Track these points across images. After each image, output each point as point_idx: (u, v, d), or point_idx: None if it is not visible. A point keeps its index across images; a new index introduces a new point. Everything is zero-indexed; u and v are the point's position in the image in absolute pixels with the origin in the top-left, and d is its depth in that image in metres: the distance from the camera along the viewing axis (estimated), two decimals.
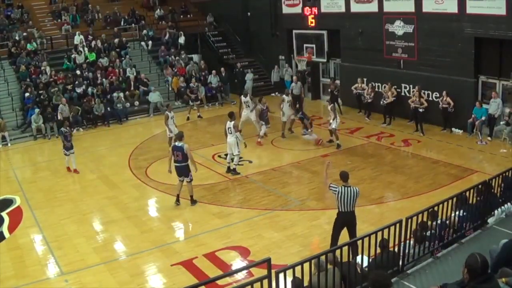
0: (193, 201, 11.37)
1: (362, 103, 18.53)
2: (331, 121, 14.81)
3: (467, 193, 7.38)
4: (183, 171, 11.08)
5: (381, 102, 17.21)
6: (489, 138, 14.71)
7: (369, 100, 17.97)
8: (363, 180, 12.12)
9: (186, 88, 21.80)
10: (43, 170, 14.60)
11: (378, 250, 6.31)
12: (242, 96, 16.77)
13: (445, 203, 6.89)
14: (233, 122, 13.09)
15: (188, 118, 19.36)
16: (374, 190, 11.44)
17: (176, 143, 11.11)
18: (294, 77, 19.60)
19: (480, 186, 7.49)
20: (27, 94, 19.00)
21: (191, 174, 11.18)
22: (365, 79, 18.58)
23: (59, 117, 18.01)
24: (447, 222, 7.09)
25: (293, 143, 15.76)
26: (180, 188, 11.30)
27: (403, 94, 17.31)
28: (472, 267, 4.24)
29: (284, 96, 16.51)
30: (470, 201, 7.46)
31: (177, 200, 11.32)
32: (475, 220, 7.37)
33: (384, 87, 17.48)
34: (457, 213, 7.25)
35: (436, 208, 6.92)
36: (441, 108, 15.65)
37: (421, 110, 15.86)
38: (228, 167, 13.36)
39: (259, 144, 15.58)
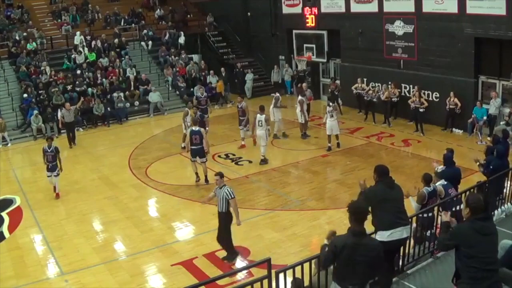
0: (207, 181, 12.41)
1: (362, 103, 18.49)
2: (332, 121, 14.44)
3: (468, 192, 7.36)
4: (200, 153, 12.35)
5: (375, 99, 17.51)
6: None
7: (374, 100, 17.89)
8: None
9: (185, 88, 21.87)
10: (43, 170, 14.42)
11: None
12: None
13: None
14: (264, 115, 13.82)
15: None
16: None
17: (194, 128, 12.34)
18: (304, 84, 17.83)
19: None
20: (25, 95, 18.99)
21: (206, 156, 12.54)
22: (365, 79, 18.58)
23: (60, 120, 17.34)
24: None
25: (293, 143, 15.76)
26: (195, 166, 12.55)
27: (403, 94, 17.31)
28: (476, 205, 4.53)
29: (300, 97, 16.08)
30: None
31: (198, 177, 12.55)
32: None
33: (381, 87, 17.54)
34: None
35: (436, 208, 6.93)
36: (448, 109, 15.62)
37: (421, 110, 15.87)
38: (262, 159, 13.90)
39: (242, 147, 15.45)
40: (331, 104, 14.64)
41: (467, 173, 12.02)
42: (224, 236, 8.73)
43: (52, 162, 12.16)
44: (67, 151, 16.27)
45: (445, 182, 7.60)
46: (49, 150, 12.18)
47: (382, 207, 5.59)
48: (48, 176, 12.35)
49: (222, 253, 9.06)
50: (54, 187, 12.39)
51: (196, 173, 12.61)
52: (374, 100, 17.67)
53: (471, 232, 4.46)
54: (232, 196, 8.50)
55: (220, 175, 8.70)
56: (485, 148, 9.75)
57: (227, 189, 8.52)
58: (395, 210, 5.63)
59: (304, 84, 17.62)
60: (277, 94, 16.66)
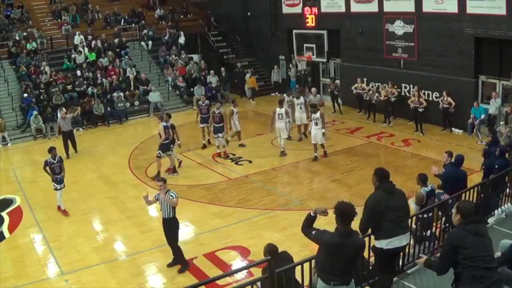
0: (175, 170, 13.34)
1: (363, 103, 18.47)
2: (316, 129, 13.60)
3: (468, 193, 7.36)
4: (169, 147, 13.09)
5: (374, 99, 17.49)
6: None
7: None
8: (363, 180, 12.11)
9: (185, 88, 21.88)
10: (43, 170, 14.54)
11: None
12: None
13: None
14: (283, 108, 14.29)
15: (204, 146, 15.62)
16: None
17: (168, 124, 12.94)
18: (314, 89, 17.48)
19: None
20: (25, 95, 18.99)
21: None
22: (365, 79, 18.58)
23: (57, 129, 17.03)
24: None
25: (293, 143, 15.73)
26: (172, 160, 13.29)
27: (403, 94, 17.31)
28: (467, 211, 4.60)
29: (294, 99, 15.71)
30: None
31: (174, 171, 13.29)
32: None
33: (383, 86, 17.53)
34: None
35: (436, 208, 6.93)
36: (441, 108, 15.64)
37: (420, 110, 15.86)
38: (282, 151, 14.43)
39: (217, 155, 14.80)
40: (317, 111, 13.70)
41: (467, 173, 12.04)
42: (173, 245, 8.62)
43: (60, 173, 11.24)
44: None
45: (429, 189, 7.51)
46: (55, 162, 11.21)
47: (383, 216, 5.50)
48: (58, 190, 11.25)
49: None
50: (63, 210, 11.35)
51: (174, 167, 13.44)
52: (373, 101, 17.68)
53: (465, 234, 4.49)
54: (177, 197, 8.38)
55: (164, 180, 8.59)
56: (482, 151, 9.74)
57: (172, 193, 8.35)
58: (396, 219, 5.53)
59: (313, 89, 17.52)
60: (284, 95, 16.68)
